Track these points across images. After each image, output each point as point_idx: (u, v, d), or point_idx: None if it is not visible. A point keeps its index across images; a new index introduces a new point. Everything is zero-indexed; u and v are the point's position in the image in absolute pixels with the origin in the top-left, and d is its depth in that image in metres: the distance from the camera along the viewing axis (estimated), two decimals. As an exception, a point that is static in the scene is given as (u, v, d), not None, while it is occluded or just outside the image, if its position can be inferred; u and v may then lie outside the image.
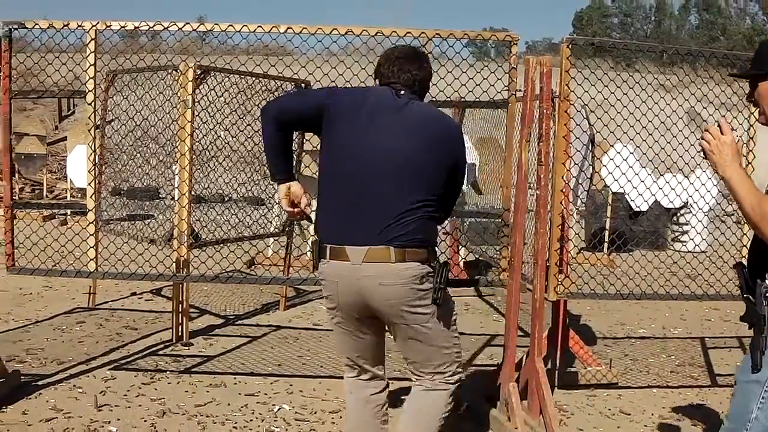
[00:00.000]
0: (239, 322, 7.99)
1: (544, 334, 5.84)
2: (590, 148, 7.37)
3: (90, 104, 5.22)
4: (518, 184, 5.47)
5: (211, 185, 8.17)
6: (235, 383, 6.06)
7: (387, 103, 3.84)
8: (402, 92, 3.87)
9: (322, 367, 6.58)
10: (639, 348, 7.72)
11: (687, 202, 13.00)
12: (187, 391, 5.83)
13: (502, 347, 7.03)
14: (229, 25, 5.23)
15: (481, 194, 9.98)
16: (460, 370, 4.14)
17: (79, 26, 5.11)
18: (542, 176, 5.36)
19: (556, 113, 5.37)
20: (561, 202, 5.47)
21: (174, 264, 6.57)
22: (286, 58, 7.01)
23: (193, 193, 6.60)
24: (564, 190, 5.51)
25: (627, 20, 63.15)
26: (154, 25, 5.09)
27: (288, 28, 5.22)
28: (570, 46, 5.35)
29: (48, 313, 8.00)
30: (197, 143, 6.87)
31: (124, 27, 5.10)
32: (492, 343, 7.54)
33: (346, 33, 5.32)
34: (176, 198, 6.67)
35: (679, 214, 14.20)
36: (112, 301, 8.57)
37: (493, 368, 6.42)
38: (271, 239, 10.36)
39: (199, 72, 6.59)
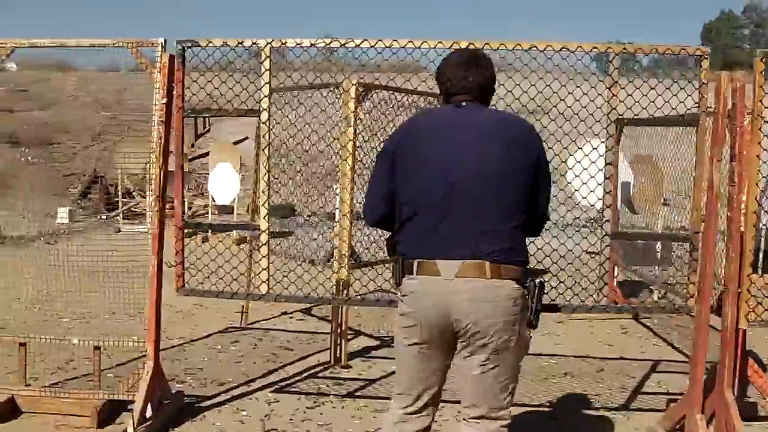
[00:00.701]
0: (394, 343, 7.80)
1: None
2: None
3: (264, 123, 5.12)
4: (709, 206, 5.15)
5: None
6: (401, 409, 5.86)
7: (451, 116, 3.69)
8: (463, 104, 3.69)
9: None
10: (816, 378, 7.19)
11: None
12: (353, 416, 5.67)
13: (670, 373, 6.74)
14: (409, 41, 5.04)
15: (636, 213, 9.61)
16: (510, 415, 3.75)
17: (253, 44, 5.02)
18: (735, 197, 5.03)
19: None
20: (754, 225, 5.12)
21: (334, 285, 6.45)
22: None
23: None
24: (756, 212, 5.15)
25: (758, 31, 61.08)
26: (330, 42, 4.96)
27: (453, 42, 5.01)
28: (764, 60, 5.01)
29: (201, 332, 8.00)
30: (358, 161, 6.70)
31: (299, 44, 4.99)
32: (657, 369, 7.14)
33: (513, 48, 5.04)
34: (337, 218, 6.54)
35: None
36: (263, 320, 8.52)
37: (665, 396, 6.08)
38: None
39: (361, 89, 6.46)
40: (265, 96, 5.08)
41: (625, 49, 5.07)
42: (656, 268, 9.83)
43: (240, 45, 5.01)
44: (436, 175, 3.55)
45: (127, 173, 15.81)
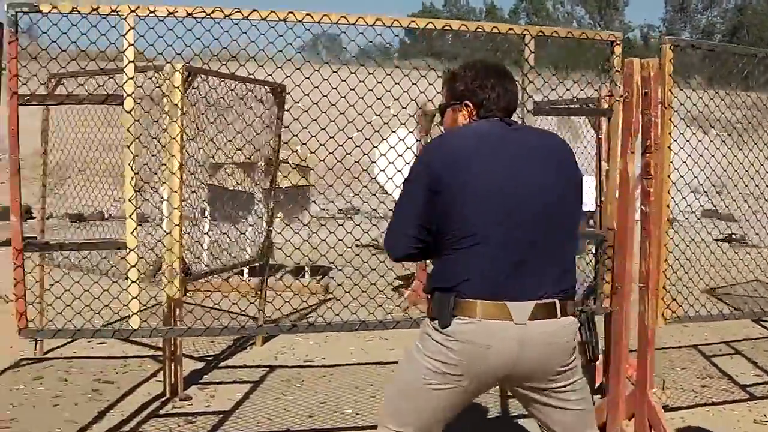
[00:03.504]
0: (222, 364, 6.84)
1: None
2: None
3: (129, 112, 4.07)
4: (623, 200, 4.79)
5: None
6: (277, 447, 5.03)
7: (504, 133, 3.19)
8: (508, 120, 3.27)
9: (358, 415, 5.65)
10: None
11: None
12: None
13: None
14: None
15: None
16: None
17: (113, 11, 3.94)
18: (651, 191, 4.70)
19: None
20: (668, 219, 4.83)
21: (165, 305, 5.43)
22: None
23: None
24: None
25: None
26: (211, 12, 3.99)
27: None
28: (672, 48, 4.73)
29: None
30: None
31: (173, 13, 3.98)
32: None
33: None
34: (166, 227, 5.49)
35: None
36: (59, 346, 7.12)
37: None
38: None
39: (186, 74, 5.45)
40: (129, 78, 4.02)
41: (542, 32, 4.58)
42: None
43: (95, 12, 3.91)
44: (498, 199, 3.06)
45: None
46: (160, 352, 6.33)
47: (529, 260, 3.04)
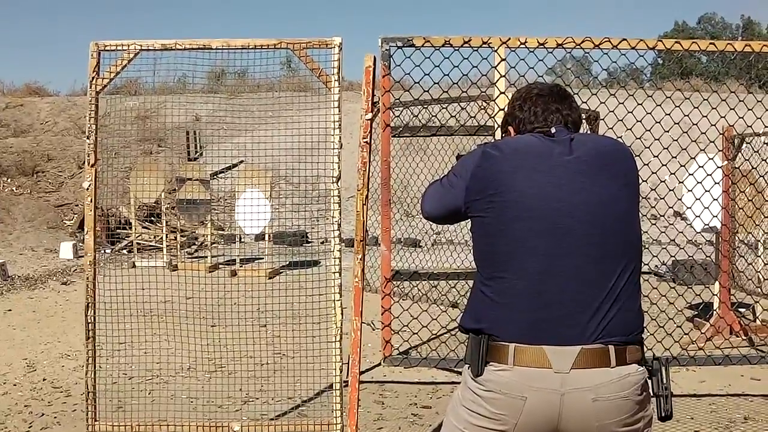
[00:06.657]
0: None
1: None
2: None
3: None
4: None
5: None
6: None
7: (542, 145, 2.76)
8: (553, 130, 2.81)
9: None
10: None
11: None
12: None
13: None
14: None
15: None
16: None
17: (485, 43, 3.97)
18: None
19: None
20: None
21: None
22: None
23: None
24: None
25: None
26: (582, 42, 3.94)
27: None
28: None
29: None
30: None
31: (543, 44, 3.96)
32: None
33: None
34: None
35: None
36: (367, 370, 7.27)
37: None
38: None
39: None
40: (501, 109, 4.03)
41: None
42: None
43: (467, 45, 3.95)
44: (534, 222, 2.66)
45: (140, 203, 14.56)
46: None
47: (575, 295, 2.62)
